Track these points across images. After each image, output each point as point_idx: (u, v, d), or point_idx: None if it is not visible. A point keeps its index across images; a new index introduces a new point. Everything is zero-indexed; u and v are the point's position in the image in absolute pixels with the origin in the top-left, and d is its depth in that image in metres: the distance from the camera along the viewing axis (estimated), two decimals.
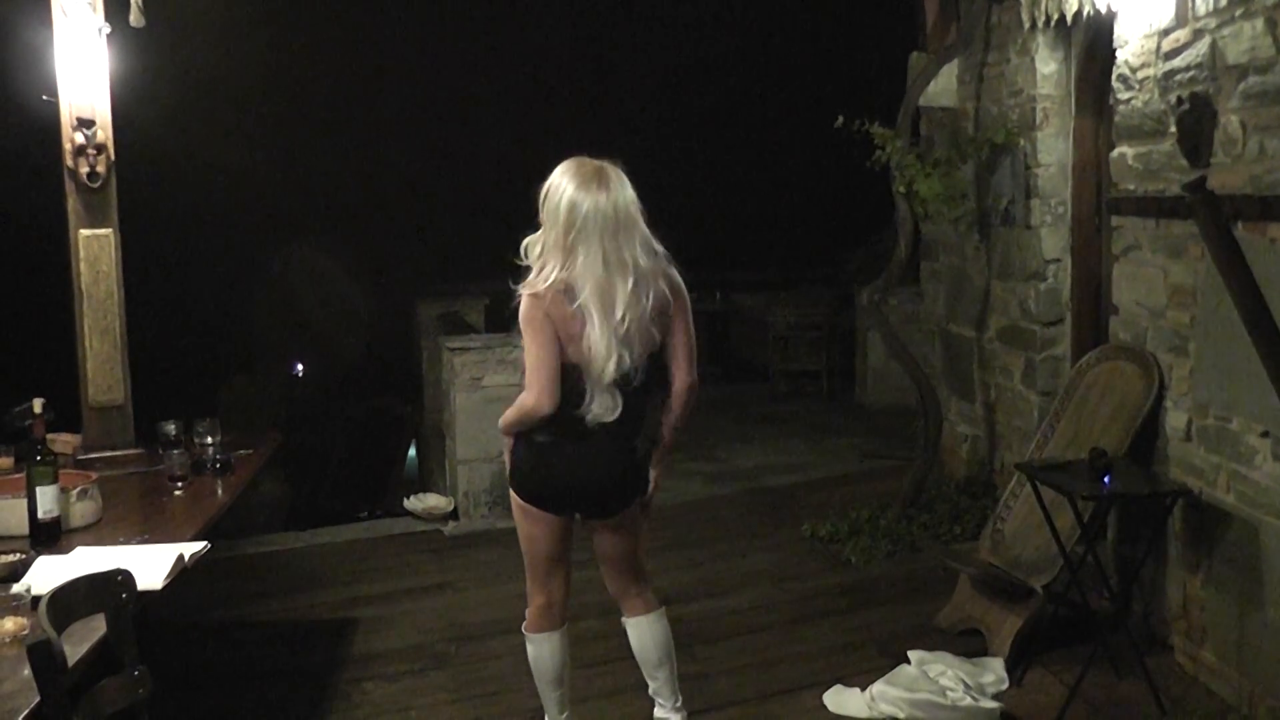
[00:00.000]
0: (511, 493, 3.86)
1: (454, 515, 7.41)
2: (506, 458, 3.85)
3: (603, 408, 3.66)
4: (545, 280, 3.60)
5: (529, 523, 3.86)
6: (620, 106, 15.05)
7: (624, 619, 4.09)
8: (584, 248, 3.56)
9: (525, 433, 3.74)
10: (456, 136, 15.01)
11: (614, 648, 4.79)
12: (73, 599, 2.76)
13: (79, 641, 2.79)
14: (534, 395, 3.61)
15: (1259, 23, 4.10)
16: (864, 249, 11.45)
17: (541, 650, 4.00)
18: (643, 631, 4.03)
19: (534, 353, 3.60)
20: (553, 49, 15.39)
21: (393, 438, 12.38)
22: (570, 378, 3.63)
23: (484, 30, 15.22)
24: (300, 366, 14.87)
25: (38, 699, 2.46)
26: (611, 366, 3.58)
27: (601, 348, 3.57)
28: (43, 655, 2.41)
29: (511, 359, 7.38)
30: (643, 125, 14.63)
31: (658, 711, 4.05)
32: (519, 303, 3.63)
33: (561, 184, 3.61)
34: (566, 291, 3.58)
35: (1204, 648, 4.59)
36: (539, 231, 3.67)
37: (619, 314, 3.57)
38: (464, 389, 7.36)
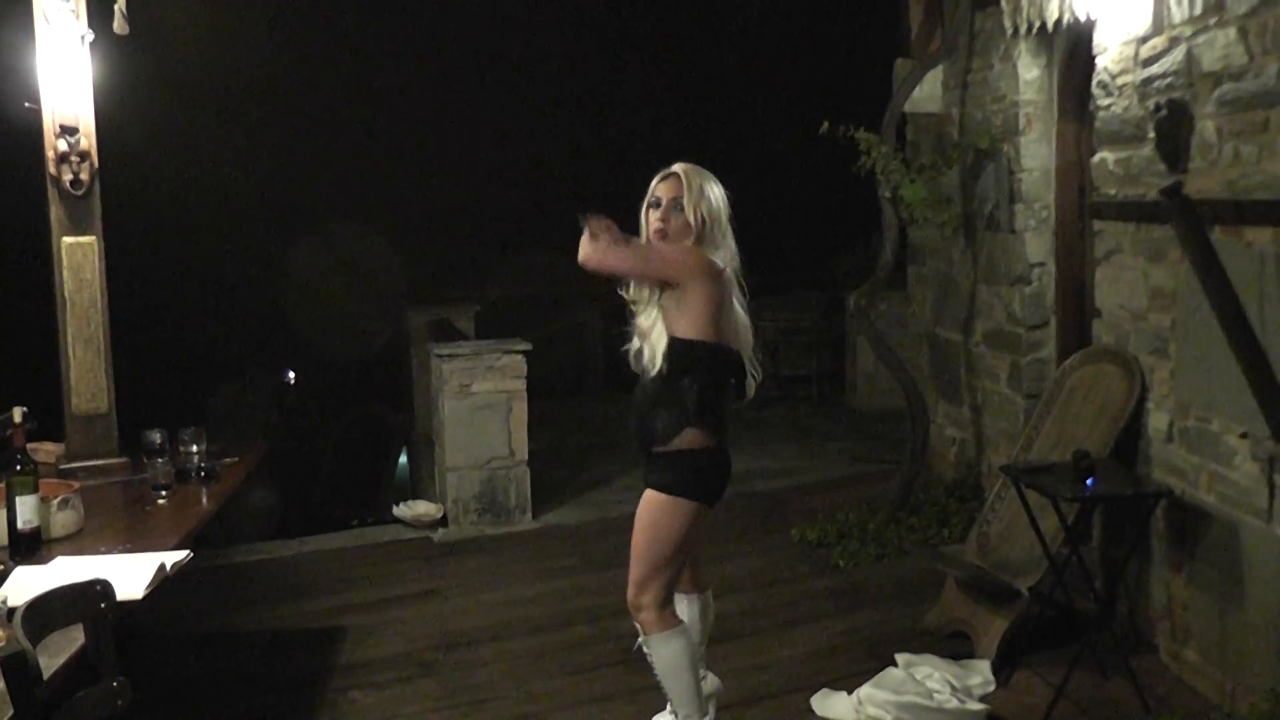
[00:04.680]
0: (678, 499, 3.80)
1: (443, 522, 7.42)
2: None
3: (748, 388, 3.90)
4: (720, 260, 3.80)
5: (694, 518, 3.84)
6: (611, 116, 15.08)
7: None
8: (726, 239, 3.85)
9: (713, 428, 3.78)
10: (447, 144, 15.01)
11: (604, 653, 4.82)
12: (50, 610, 2.74)
13: (56, 653, 2.78)
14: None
15: (1232, 31, 4.13)
16: (852, 254, 11.44)
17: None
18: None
19: (708, 308, 3.71)
20: (547, 59, 15.39)
21: (383, 445, 12.36)
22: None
23: (477, 39, 15.22)
24: (291, 374, 14.84)
25: (11, 712, 2.45)
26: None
27: (745, 325, 3.89)
28: (16, 667, 2.40)
29: (500, 366, 7.39)
30: (634, 134, 14.63)
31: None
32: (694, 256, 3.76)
33: (710, 179, 3.84)
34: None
35: (1188, 647, 4.61)
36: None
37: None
38: (453, 396, 7.36)
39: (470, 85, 15.31)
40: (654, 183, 3.85)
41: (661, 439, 3.77)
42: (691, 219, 3.75)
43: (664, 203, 3.79)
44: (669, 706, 4.03)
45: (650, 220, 3.82)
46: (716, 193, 3.82)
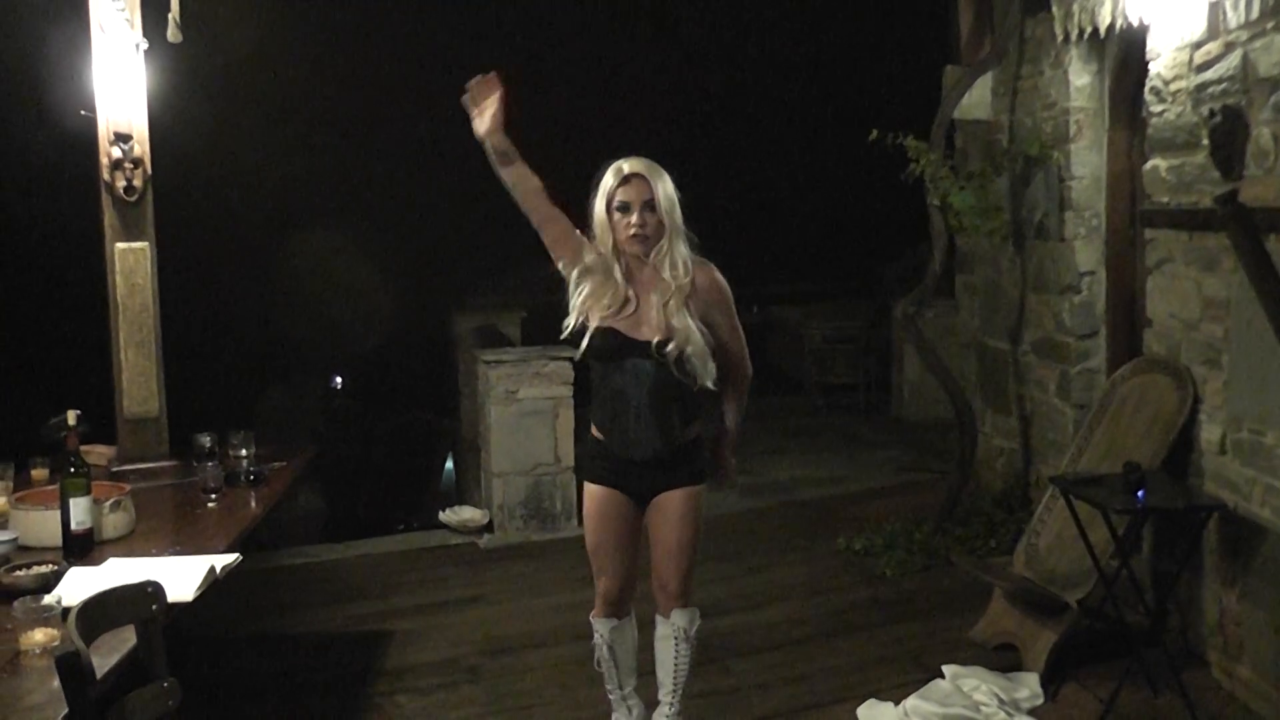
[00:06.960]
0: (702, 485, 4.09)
1: (489, 528, 7.43)
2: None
3: None
4: None
5: None
6: (657, 121, 15.08)
7: None
8: None
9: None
10: None
11: (650, 661, 4.80)
12: (103, 610, 2.78)
13: (108, 653, 2.82)
14: None
15: None
16: (900, 262, 11.40)
17: None
18: None
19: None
20: (591, 62, 15.45)
21: (430, 450, 12.43)
22: None
23: (520, 46, 15.30)
24: (339, 379, 14.95)
25: (66, 710, 2.48)
26: None
27: None
28: (70, 666, 2.43)
29: (547, 372, 7.40)
30: (679, 139, 14.64)
31: None
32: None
33: (663, 172, 3.89)
34: None
35: (1240, 663, 4.54)
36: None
37: None
38: (499, 402, 7.38)
39: (522, 90, 15.38)
40: (611, 185, 3.84)
41: (682, 433, 3.94)
42: (665, 219, 3.82)
43: (634, 206, 3.80)
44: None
45: (619, 224, 3.83)
46: (670, 185, 3.87)
